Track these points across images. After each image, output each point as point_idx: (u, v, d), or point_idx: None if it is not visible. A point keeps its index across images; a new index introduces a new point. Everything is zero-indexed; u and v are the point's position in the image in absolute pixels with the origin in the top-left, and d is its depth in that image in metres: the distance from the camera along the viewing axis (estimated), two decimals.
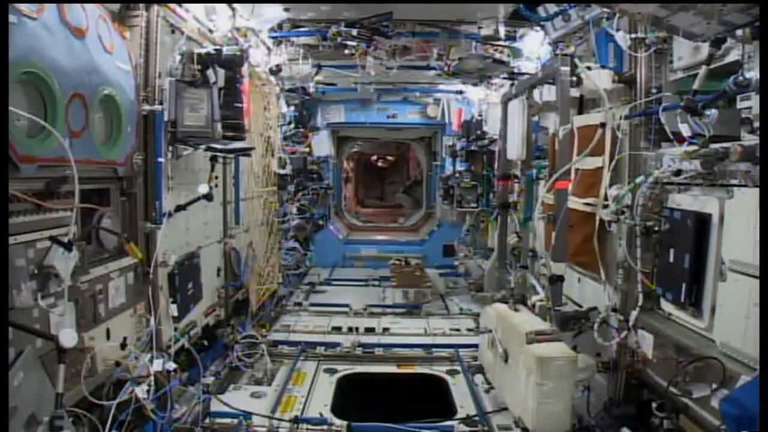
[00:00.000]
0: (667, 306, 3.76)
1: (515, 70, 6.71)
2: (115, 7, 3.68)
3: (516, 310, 5.15)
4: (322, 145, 11.40)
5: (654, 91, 3.98)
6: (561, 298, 4.49)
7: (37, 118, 2.67)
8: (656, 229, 3.75)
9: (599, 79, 4.21)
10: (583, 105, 4.92)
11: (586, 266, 4.75)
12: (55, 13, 2.85)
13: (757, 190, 2.83)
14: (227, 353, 5.83)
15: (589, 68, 4.26)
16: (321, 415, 4.77)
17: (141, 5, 3.82)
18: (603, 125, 4.30)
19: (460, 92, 10.05)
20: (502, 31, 6.25)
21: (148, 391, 3.41)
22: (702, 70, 3.20)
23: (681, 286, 3.42)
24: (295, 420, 4.59)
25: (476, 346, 6.12)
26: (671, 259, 3.55)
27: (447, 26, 6.57)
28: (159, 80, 4.03)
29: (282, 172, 7.71)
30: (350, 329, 7.17)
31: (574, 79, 4.23)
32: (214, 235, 5.62)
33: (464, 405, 5.07)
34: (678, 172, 3.46)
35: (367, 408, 5.25)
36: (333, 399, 5.20)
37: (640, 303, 3.90)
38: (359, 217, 15.31)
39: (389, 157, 20.11)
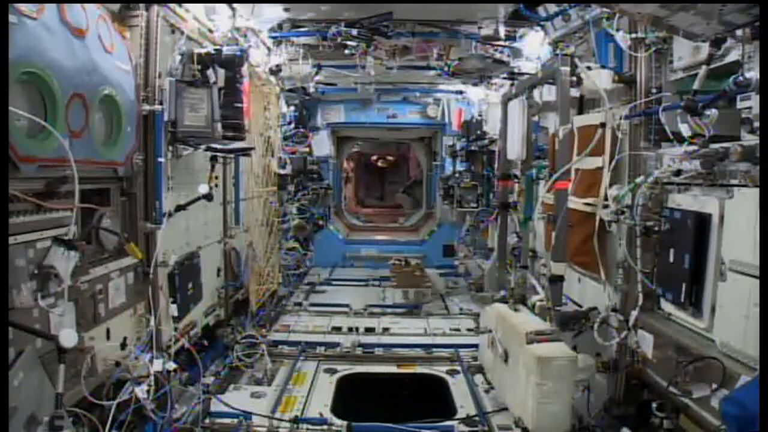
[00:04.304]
0: (667, 306, 3.75)
1: (515, 70, 6.71)
2: (115, 7, 3.67)
3: (516, 310, 5.15)
4: (322, 145, 11.40)
5: (654, 91, 3.98)
6: (561, 298, 4.49)
7: (37, 118, 2.67)
8: (656, 229, 3.75)
9: (599, 79, 4.21)
10: (583, 105, 4.92)
11: (586, 266, 4.75)
12: (55, 13, 2.85)
13: (757, 190, 2.83)
14: (227, 353, 5.83)
15: (589, 68, 4.26)
16: (321, 415, 4.78)
17: (141, 5, 3.82)
18: (603, 125, 4.30)
19: (460, 92, 10.05)
20: (502, 31, 6.25)
21: (148, 391, 3.42)
22: (702, 70, 3.19)
23: (681, 286, 3.42)
24: (295, 420, 4.59)
25: (476, 346, 6.12)
26: (671, 259, 3.55)
27: (447, 26, 6.57)
28: (159, 80, 4.03)
29: (282, 172, 7.71)
30: (350, 329, 7.18)
31: (574, 79, 4.23)
32: (214, 235, 5.62)
33: (464, 405, 5.07)
34: (678, 172, 3.46)
35: (367, 408, 5.25)
36: (333, 399, 5.19)
37: (640, 303, 3.90)
38: (359, 217, 15.31)
39: (389, 157, 20.14)
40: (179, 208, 4.28)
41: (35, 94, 2.75)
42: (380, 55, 7.02)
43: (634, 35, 3.99)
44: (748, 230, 2.87)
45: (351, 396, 5.52)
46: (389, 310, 8.37)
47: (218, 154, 4.95)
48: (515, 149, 5.65)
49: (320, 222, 11.00)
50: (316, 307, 8.40)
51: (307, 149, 9.77)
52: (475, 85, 8.97)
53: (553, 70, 4.37)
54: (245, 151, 5.69)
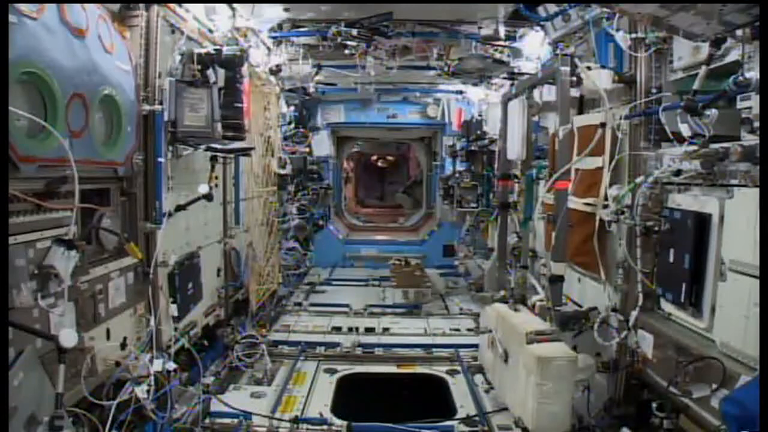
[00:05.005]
0: (667, 306, 3.75)
1: (515, 70, 6.71)
2: (115, 7, 3.67)
3: (516, 310, 5.15)
4: (322, 145, 11.39)
5: (654, 91, 3.98)
6: (561, 298, 4.49)
7: (37, 118, 2.67)
8: (656, 229, 3.75)
9: (599, 79, 4.21)
10: (583, 105, 4.92)
11: (586, 266, 4.75)
12: (55, 13, 2.85)
13: (757, 190, 2.83)
14: (227, 353, 5.82)
15: (589, 68, 4.26)
16: (321, 415, 4.78)
17: (141, 5, 3.82)
18: (603, 125, 4.30)
19: (460, 92, 10.05)
20: (502, 31, 6.25)
21: (148, 391, 3.42)
22: (702, 70, 3.20)
23: (681, 286, 3.42)
24: (295, 420, 4.59)
25: (476, 346, 6.12)
26: (671, 259, 3.55)
27: (447, 26, 6.57)
28: (159, 80, 4.03)
29: (282, 172, 7.71)
30: (350, 329, 7.18)
31: (574, 79, 4.23)
32: (214, 235, 5.62)
33: (464, 405, 5.07)
34: (678, 172, 3.46)
35: (367, 408, 5.26)
36: (333, 399, 5.20)
37: (640, 303, 3.90)
38: (359, 217, 15.31)
39: (389, 157, 20.14)
40: (179, 208, 4.28)
41: (35, 94, 2.75)
42: (380, 55, 7.01)
43: (634, 35, 3.99)
44: (748, 230, 2.87)
45: (351, 396, 5.52)
46: (389, 310, 8.37)
47: (218, 154, 4.95)
48: (515, 149, 5.65)
49: (320, 222, 11.00)
50: (316, 307, 8.40)
51: (307, 149, 9.77)
52: (475, 85, 8.97)
53: (553, 70, 4.37)
54: (245, 151, 5.69)
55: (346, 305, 8.29)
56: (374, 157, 20.11)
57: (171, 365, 3.81)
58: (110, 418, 3.07)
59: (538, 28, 5.77)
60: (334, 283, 10.36)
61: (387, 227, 14.46)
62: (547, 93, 5.23)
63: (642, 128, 4.06)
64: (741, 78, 2.86)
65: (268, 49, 6.63)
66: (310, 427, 4.55)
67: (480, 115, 9.26)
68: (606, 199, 4.24)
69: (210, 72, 4.56)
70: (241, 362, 5.71)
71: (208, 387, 4.78)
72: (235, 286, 6.17)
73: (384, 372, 5.99)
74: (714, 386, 2.99)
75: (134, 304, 3.84)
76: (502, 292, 5.89)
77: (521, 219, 6.30)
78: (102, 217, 3.32)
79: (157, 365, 3.60)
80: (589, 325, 4.22)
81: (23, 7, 2.58)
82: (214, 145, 4.73)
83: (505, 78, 7.13)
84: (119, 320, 3.63)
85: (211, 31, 5.05)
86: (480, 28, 6.32)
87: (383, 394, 5.78)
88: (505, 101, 6.02)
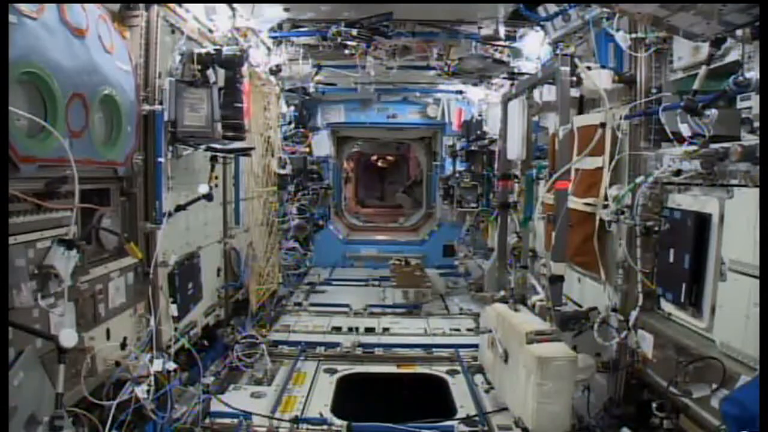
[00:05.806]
0: (667, 306, 3.75)
1: (515, 70, 6.71)
2: (115, 7, 3.67)
3: (516, 310, 5.14)
4: (322, 145, 11.39)
5: (654, 91, 3.98)
6: (561, 298, 4.49)
7: (37, 118, 2.67)
8: (656, 229, 3.75)
9: (599, 79, 4.21)
10: (583, 105, 4.92)
11: (586, 266, 4.75)
12: (55, 13, 2.85)
13: (757, 190, 2.83)
14: (227, 353, 5.83)
15: (589, 68, 4.26)
16: (321, 415, 4.78)
17: (141, 5, 3.82)
18: (603, 125, 4.30)
19: (460, 92, 10.05)
20: (502, 31, 6.25)
21: (148, 391, 3.42)
22: (702, 70, 3.20)
23: (681, 286, 3.42)
24: (295, 420, 4.59)
25: (476, 346, 6.12)
26: (671, 259, 3.55)
27: (447, 26, 6.57)
28: (159, 80, 4.03)
29: (282, 172, 7.71)
30: (350, 329, 7.18)
31: (574, 79, 4.23)
32: (214, 235, 5.62)
33: (464, 405, 5.07)
34: (678, 172, 3.46)
35: (367, 408, 5.25)
36: (333, 399, 5.20)
37: (640, 303, 3.90)
38: (359, 217, 15.32)
39: (389, 157, 20.15)
40: (179, 208, 4.28)
41: (35, 94, 2.75)
42: (380, 55, 7.01)
43: (634, 35, 3.99)
44: (748, 230, 2.87)
45: (351, 396, 5.52)
46: (389, 310, 8.37)
47: (218, 154, 4.95)
48: (515, 149, 5.65)
49: (320, 222, 11.00)
50: (316, 307, 8.40)
51: (307, 149, 9.77)
52: (475, 85, 8.97)
53: (553, 70, 4.37)
54: (245, 151, 5.69)
55: (346, 305, 8.29)
56: (374, 157, 20.12)
57: (171, 365, 3.81)
58: (110, 418, 3.07)
59: (538, 28, 5.78)
60: (334, 283, 10.36)
61: (387, 227, 14.46)
62: (547, 93, 5.23)
63: (642, 128, 4.06)
64: (741, 78, 2.87)
65: (268, 49, 6.63)
66: (310, 427, 4.55)
67: (480, 115, 9.26)
68: (606, 199, 4.24)
69: (210, 72, 4.56)
70: (241, 362, 5.71)
71: (208, 387, 4.78)
72: (235, 286, 6.17)
73: (384, 372, 5.99)
74: (714, 386, 2.99)
75: (134, 304, 3.84)
76: (502, 292, 5.89)
77: (521, 219, 6.30)
78: (102, 217, 3.32)
79: (157, 365, 3.60)
80: (589, 325, 4.22)
81: (23, 7, 2.58)
82: (214, 145, 4.73)
83: (505, 78, 7.14)
84: (119, 320, 3.62)
85: (211, 31, 5.05)
86: (480, 28, 6.32)
87: (383, 394, 5.78)
88: (505, 101, 6.02)
